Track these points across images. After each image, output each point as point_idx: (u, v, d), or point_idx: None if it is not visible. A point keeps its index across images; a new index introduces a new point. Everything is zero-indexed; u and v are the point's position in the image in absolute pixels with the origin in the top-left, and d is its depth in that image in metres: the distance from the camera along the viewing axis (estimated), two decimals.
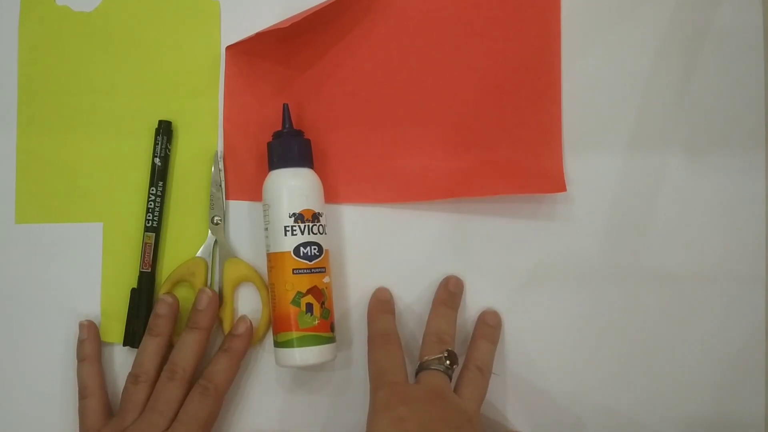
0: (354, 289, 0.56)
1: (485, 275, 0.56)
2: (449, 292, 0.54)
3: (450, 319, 0.53)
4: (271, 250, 0.52)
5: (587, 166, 0.56)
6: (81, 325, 0.54)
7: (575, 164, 0.56)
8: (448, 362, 0.50)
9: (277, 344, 0.52)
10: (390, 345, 0.51)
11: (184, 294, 0.55)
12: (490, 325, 0.54)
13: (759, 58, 0.56)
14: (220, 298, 0.55)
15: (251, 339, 0.54)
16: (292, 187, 0.52)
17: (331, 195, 0.55)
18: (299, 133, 0.53)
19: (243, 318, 0.54)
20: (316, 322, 0.51)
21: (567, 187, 0.55)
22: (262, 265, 0.55)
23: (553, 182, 0.55)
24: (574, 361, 0.56)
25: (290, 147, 0.53)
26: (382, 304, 0.54)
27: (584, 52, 0.56)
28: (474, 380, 0.51)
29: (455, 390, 0.50)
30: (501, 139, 0.56)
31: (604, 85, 0.56)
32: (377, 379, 0.50)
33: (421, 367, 0.51)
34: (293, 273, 0.51)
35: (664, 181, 0.56)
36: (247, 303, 0.56)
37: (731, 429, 0.55)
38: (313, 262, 0.52)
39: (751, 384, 0.56)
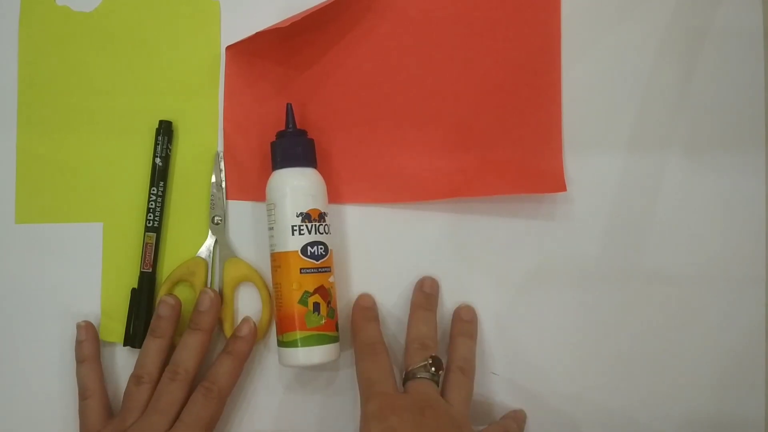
0: (355, 288, 0.56)
1: (485, 275, 0.56)
2: (426, 294, 0.54)
3: (430, 321, 0.53)
4: (277, 250, 0.52)
5: (587, 166, 0.56)
6: (78, 327, 0.54)
7: (575, 164, 0.56)
8: (433, 369, 0.50)
9: (282, 344, 0.52)
10: (377, 355, 0.52)
11: (184, 294, 0.55)
12: (465, 320, 0.54)
13: (759, 58, 0.56)
14: (220, 299, 0.55)
15: (255, 341, 0.54)
16: (300, 187, 0.52)
17: (331, 195, 0.55)
18: (303, 133, 0.53)
19: (246, 320, 0.54)
20: (323, 321, 0.51)
21: (567, 187, 0.55)
22: (262, 265, 0.55)
23: (553, 182, 0.55)
24: (574, 360, 0.56)
25: (296, 146, 0.53)
26: (365, 312, 0.54)
27: (584, 52, 0.56)
28: (458, 382, 0.51)
29: (441, 394, 0.50)
30: (501, 139, 0.56)
31: (604, 85, 0.56)
32: (366, 390, 0.50)
33: (408, 376, 0.51)
34: (300, 272, 0.51)
35: (664, 181, 0.56)
36: (248, 303, 0.56)
37: (731, 429, 0.55)
38: (320, 261, 0.52)
39: (751, 384, 0.56)
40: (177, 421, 0.50)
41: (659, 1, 0.56)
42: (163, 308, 0.53)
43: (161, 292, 0.54)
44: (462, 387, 0.51)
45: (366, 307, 0.55)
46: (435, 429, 0.47)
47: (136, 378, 0.52)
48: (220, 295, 0.55)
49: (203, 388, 0.51)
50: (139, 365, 0.52)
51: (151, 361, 0.52)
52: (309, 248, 0.51)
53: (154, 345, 0.52)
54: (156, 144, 0.55)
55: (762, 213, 0.56)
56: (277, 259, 0.52)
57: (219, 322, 0.55)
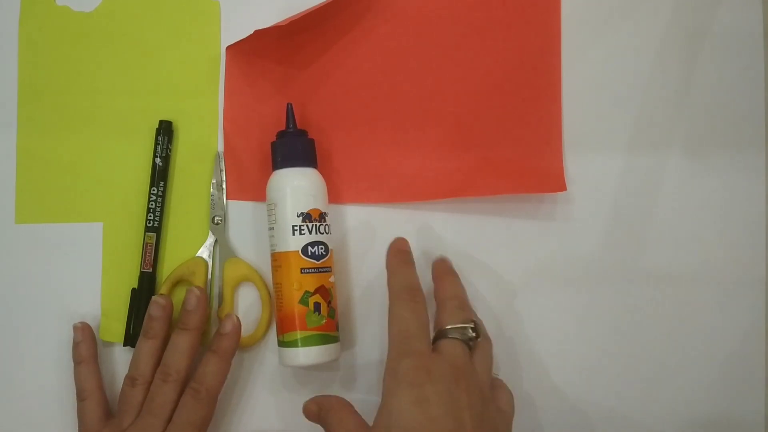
0: (354, 289, 0.56)
1: (485, 275, 0.56)
2: (444, 262, 0.54)
3: (459, 285, 0.52)
4: (278, 250, 0.52)
5: (587, 166, 0.56)
6: (75, 328, 0.54)
7: (575, 164, 0.56)
8: (473, 334, 0.47)
9: (282, 344, 0.52)
10: (417, 304, 0.48)
11: (183, 294, 0.55)
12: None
13: (759, 58, 0.56)
14: (220, 298, 0.55)
15: (239, 336, 0.53)
16: (300, 187, 0.52)
17: (331, 195, 0.55)
18: (304, 133, 0.53)
19: (229, 316, 0.53)
20: (324, 321, 0.51)
21: (567, 187, 0.55)
22: (262, 265, 0.55)
23: (553, 182, 0.55)
24: (574, 360, 0.56)
25: (296, 146, 0.53)
26: (402, 255, 0.52)
27: (584, 52, 0.56)
28: (483, 349, 0.48)
29: None
30: (501, 139, 0.56)
31: (604, 85, 0.56)
32: (401, 344, 0.46)
33: (442, 334, 0.47)
34: (301, 272, 0.51)
35: (664, 181, 0.56)
36: (247, 303, 0.56)
37: (731, 429, 0.55)
38: (321, 261, 0.52)
39: (751, 384, 0.56)
40: (169, 424, 0.50)
41: (659, 1, 0.56)
42: (154, 309, 0.53)
43: (161, 292, 0.54)
44: (486, 355, 0.48)
45: (403, 251, 0.52)
46: (467, 401, 0.44)
47: (130, 379, 0.52)
48: (220, 295, 0.55)
49: (191, 390, 0.50)
50: (133, 366, 0.52)
51: (145, 362, 0.52)
52: (310, 248, 0.51)
53: (146, 346, 0.52)
54: (156, 144, 0.55)
55: (762, 213, 0.56)
56: (278, 259, 0.52)
57: (218, 322, 0.55)
